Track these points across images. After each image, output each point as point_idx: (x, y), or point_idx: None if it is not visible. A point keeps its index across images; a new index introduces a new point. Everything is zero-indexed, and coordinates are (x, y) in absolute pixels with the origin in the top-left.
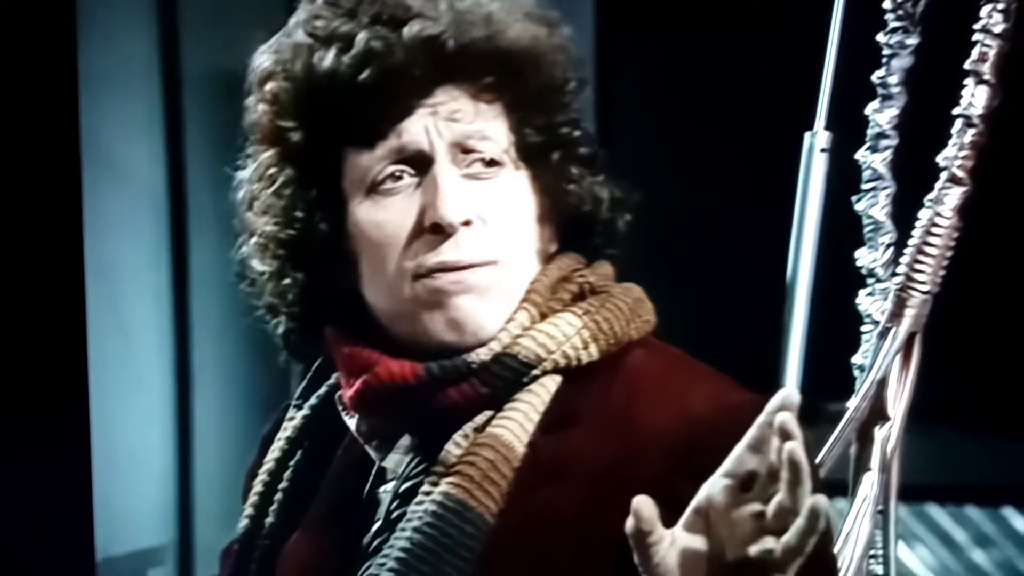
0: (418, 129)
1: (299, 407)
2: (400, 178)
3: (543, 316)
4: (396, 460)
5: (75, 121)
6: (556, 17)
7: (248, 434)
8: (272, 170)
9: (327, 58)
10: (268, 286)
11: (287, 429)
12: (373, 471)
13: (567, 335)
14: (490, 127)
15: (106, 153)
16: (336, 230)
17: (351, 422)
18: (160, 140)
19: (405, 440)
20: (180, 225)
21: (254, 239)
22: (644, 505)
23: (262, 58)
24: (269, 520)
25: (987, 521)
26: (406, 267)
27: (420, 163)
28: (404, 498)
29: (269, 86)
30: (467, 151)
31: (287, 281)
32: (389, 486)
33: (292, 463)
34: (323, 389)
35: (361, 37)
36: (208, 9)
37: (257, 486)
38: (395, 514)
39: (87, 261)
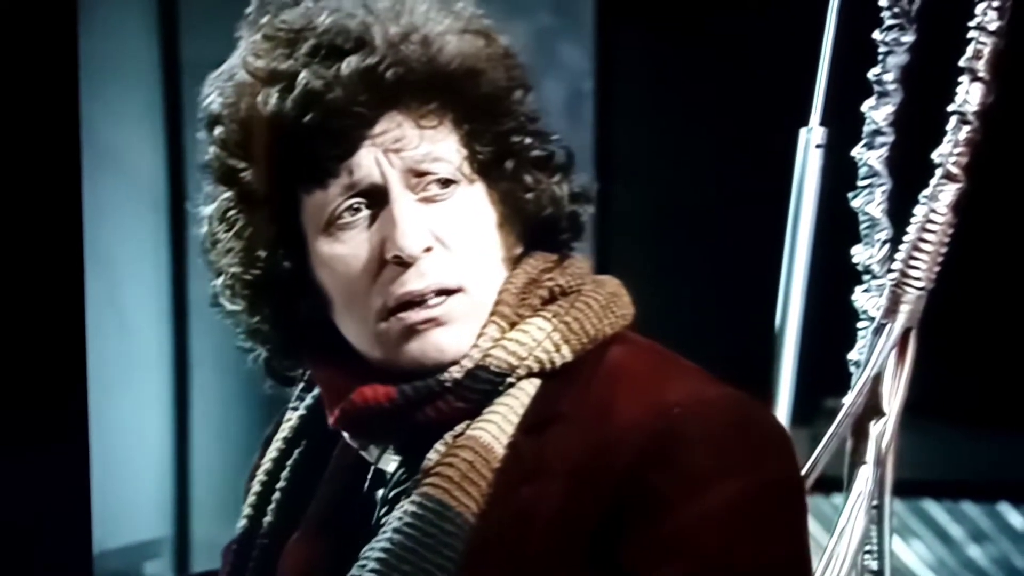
0: (368, 162)
1: (295, 408)
2: (358, 210)
3: (512, 325)
4: (391, 462)
5: (75, 113)
6: (493, 25)
7: (246, 428)
8: (231, 212)
9: (271, 100)
10: (240, 322)
11: (284, 430)
12: (370, 471)
13: (537, 340)
14: (439, 148)
15: (106, 145)
16: (300, 266)
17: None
18: (160, 132)
19: (396, 446)
20: (179, 217)
21: (221, 278)
22: None
23: (209, 98)
24: (267, 520)
25: (983, 516)
26: (373, 301)
27: (375, 195)
28: (392, 504)
29: (217, 130)
30: (420, 175)
31: (258, 318)
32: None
33: (289, 463)
34: (318, 390)
35: (301, 77)
36: (208, 3)
37: (255, 486)
38: (383, 520)
39: (86, 253)
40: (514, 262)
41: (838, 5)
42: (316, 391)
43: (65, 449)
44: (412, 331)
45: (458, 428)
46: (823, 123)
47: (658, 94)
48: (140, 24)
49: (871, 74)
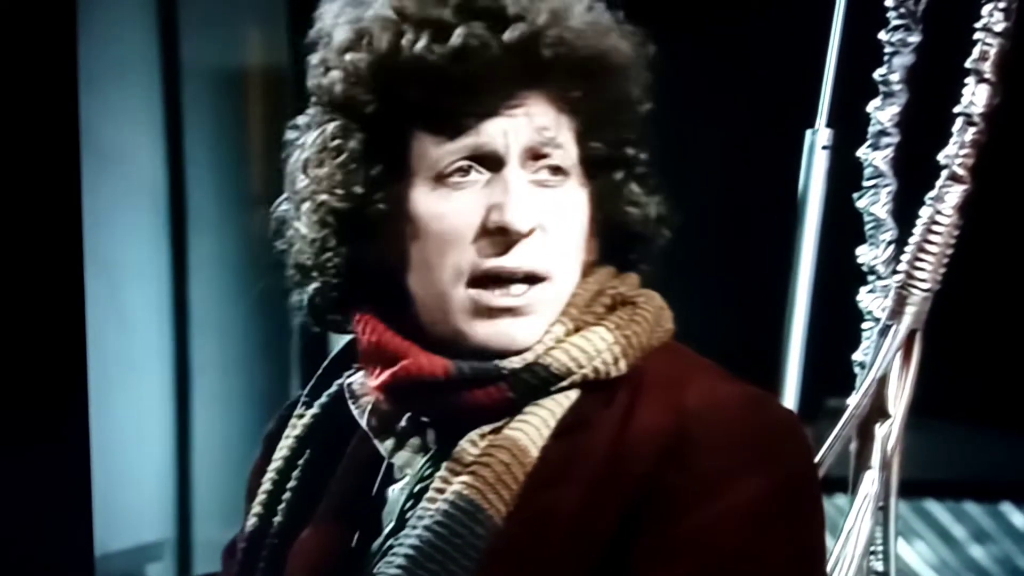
0: (496, 130)
1: (308, 405)
2: (468, 172)
3: (577, 329)
4: (405, 457)
5: (75, 115)
6: (644, 33)
7: (247, 429)
8: (337, 140)
9: (419, 43)
10: (308, 251)
11: (296, 427)
12: (382, 469)
13: (599, 350)
14: (563, 136)
15: (106, 147)
16: (393, 213)
17: (360, 415)
18: (160, 134)
19: (415, 438)
20: (179, 219)
21: (306, 204)
22: None
23: (335, 21)
24: (277, 519)
25: (986, 517)
26: (461, 266)
27: (491, 162)
28: (418, 499)
29: (349, 56)
30: (537, 157)
31: (329, 252)
32: (398, 485)
33: (301, 462)
34: (333, 388)
35: (459, 32)
36: (207, 3)
37: (265, 484)
38: (408, 515)
39: (86, 255)
40: (586, 269)
41: (844, 6)
42: (331, 390)
43: (66, 451)
44: (489, 313)
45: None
46: (829, 124)
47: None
48: (140, 25)
49: (877, 75)
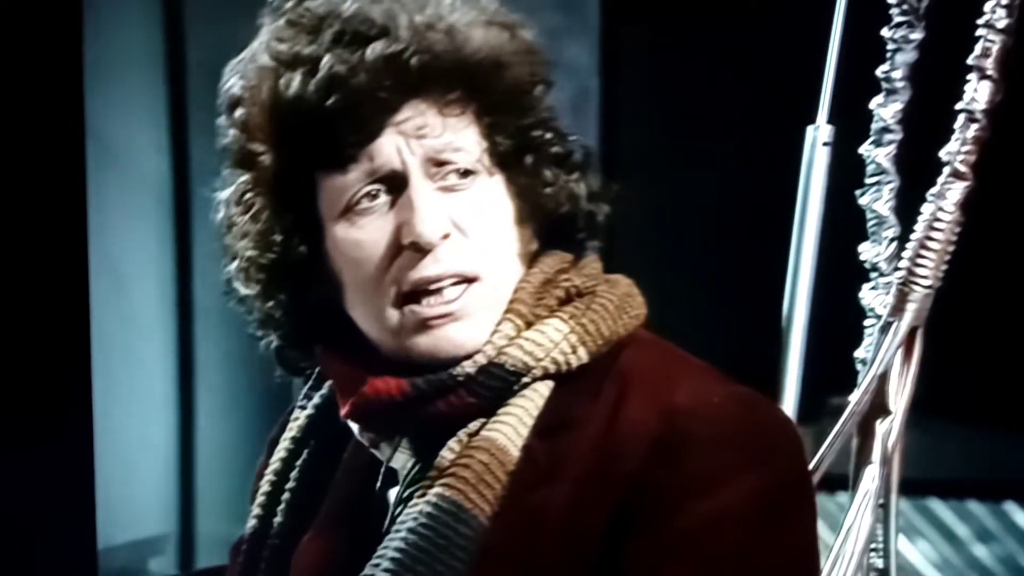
0: (389, 149)
1: (303, 407)
2: (376, 196)
3: (528, 324)
4: (403, 460)
5: (80, 111)
6: (518, 20)
7: (250, 425)
8: (248, 195)
9: (293, 84)
10: (255, 306)
11: (292, 429)
12: (383, 470)
13: (554, 341)
14: (460, 138)
15: (111, 143)
16: (315, 252)
17: (354, 427)
18: (165, 130)
19: (408, 442)
20: (184, 216)
21: (236, 262)
22: None
23: (230, 81)
24: (277, 520)
25: (988, 515)
26: (388, 288)
27: (394, 181)
28: (407, 503)
29: (238, 112)
30: (440, 164)
31: (271, 303)
32: (397, 488)
33: (298, 463)
34: (326, 389)
35: (325, 61)
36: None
37: (264, 486)
38: (399, 519)
39: (91, 252)
40: (530, 259)
41: (846, 2)
42: (324, 390)
43: (70, 446)
44: (426, 325)
45: (472, 426)
46: (830, 121)
47: (664, 92)
48: (145, 22)
49: (879, 71)
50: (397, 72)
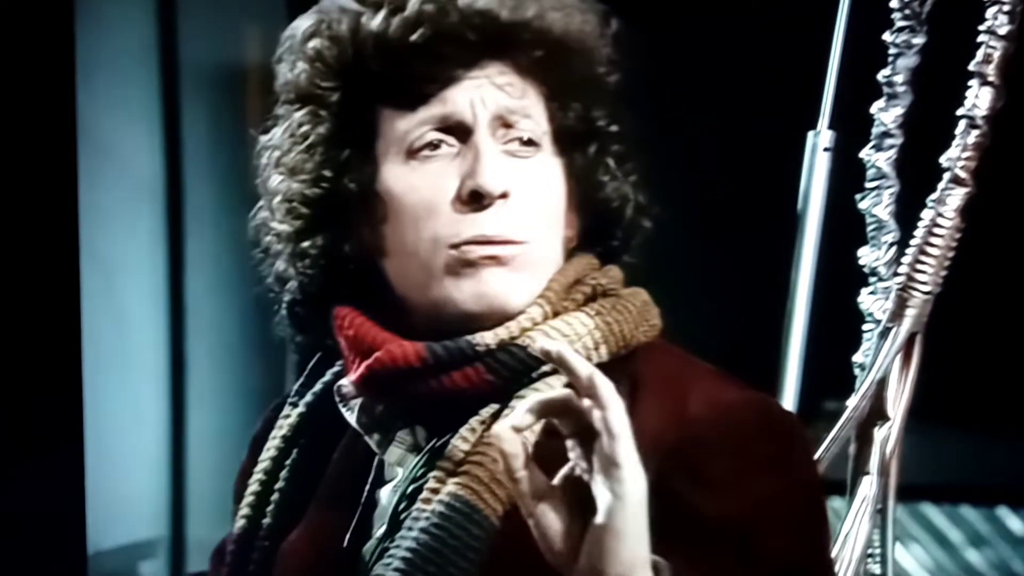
0: (463, 99)
1: (295, 405)
2: (438, 146)
3: (556, 314)
4: (398, 455)
5: (72, 110)
6: (606, 10)
7: (242, 428)
8: (304, 127)
9: (376, 18)
10: (285, 249)
11: (282, 428)
12: (373, 469)
13: (579, 334)
14: (533, 106)
15: (103, 143)
16: (365, 193)
17: (350, 415)
18: (157, 130)
19: (407, 435)
20: (176, 215)
21: (277, 199)
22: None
23: (303, 20)
24: (266, 520)
25: (982, 521)
26: (440, 235)
27: (460, 133)
28: (412, 500)
29: (311, 43)
30: (507, 126)
31: (306, 244)
32: (389, 486)
33: (288, 462)
34: (318, 387)
35: (414, 1)
36: None
37: (253, 486)
38: (403, 516)
39: (82, 251)
40: (568, 254)
41: (848, 7)
42: (317, 388)
43: (60, 448)
44: (473, 266)
45: (484, 413)
46: (831, 125)
47: (664, 96)
48: (138, 20)
49: (881, 76)
50: (486, 26)
